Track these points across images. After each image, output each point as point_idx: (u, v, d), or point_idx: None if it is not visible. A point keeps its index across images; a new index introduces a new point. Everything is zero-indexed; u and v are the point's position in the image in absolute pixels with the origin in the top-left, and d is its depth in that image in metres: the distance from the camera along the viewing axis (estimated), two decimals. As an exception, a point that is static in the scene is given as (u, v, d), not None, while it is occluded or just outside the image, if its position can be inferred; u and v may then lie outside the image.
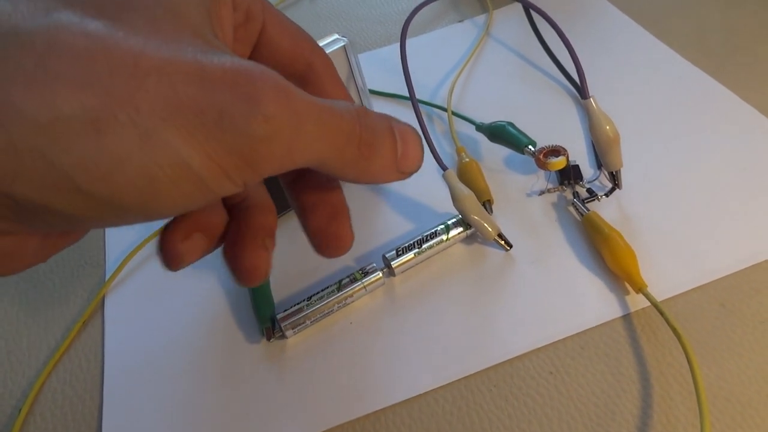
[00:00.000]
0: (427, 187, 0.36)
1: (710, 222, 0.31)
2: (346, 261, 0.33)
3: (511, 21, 0.48)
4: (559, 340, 0.28)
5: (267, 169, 0.15)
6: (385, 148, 0.17)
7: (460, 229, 0.32)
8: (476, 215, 0.30)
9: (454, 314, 0.29)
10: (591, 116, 0.31)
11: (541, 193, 0.34)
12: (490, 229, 0.30)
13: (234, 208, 0.20)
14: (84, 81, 0.12)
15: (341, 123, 0.16)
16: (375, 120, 0.17)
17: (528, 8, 0.44)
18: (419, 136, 0.19)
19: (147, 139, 0.13)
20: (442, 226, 0.32)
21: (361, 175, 0.17)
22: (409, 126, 0.18)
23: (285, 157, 0.15)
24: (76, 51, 0.13)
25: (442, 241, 0.32)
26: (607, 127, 0.31)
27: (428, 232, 0.32)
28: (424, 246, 0.31)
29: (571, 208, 0.33)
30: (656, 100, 0.38)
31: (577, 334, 0.28)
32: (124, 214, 0.14)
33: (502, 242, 0.31)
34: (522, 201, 0.34)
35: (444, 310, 0.30)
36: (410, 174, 0.19)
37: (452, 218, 0.32)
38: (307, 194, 0.20)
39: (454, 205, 0.30)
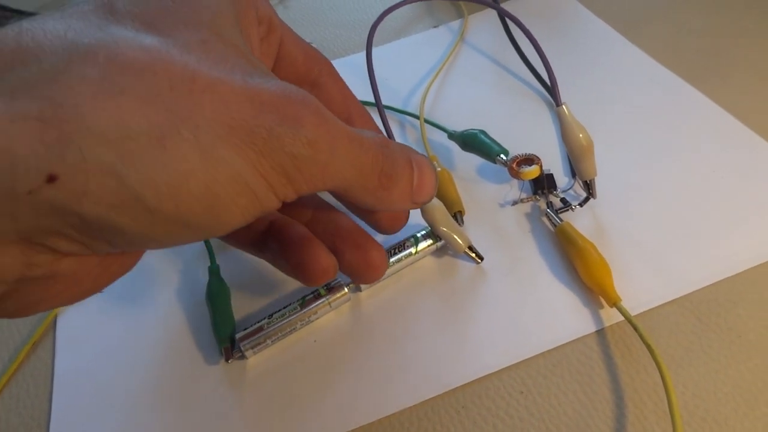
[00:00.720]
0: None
1: (687, 233, 0.30)
2: (312, 276, 0.32)
3: (486, 26, 0.47)
4: (530, 358, 0.27)
5: (303, 188, 0.16)
6: (403, 180, 0.19)
7: (430, 241, 0.31)
8: (445, 227, 0.29)
9: (423, 331, 0.28)
10: (563, 124, 0.30)
11: (515, 203, 0.33)
12: (460, 242, 0.29)
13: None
14: (147, 96, 0.13)
15: (368, 153, 0.17)
16: (396, 152, 0.18)
17: (502, 15, 0.44)
18: (434, 168, 0.20)
19: (208, 156, 0.13)
20: (411, 239, 0.31)
21: (377, 203, 0.18)
22: (426, 158, 0.20)
23: (318, 178, 0.16)
24: (137, 65, 0.13)
25: (410, 254, 0.30)
26: (581, 135, 0.30)
27: (396, 245, 0.31)
28: (392, 260, 0.30)
29: (545, 219, 0.32)
30: (632, 107, 0.38)
31: (549, 350, 0.27)
32: (185, 232, 0.14)
33: (473, 255, 0.30)
34: (494, 211, 0.33)
35: (412, 327, 0.28)
36: (422, 205, 0.21)
37: (422, 230, 0.31)
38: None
39: (423, 216, 0.29)
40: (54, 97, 0.12)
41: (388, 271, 0.30)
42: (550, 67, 0.30)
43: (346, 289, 0.29)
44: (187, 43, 0.14)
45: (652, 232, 0.30)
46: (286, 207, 0.21)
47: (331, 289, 0.29)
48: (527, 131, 0.37)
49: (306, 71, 0.22)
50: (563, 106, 0.30)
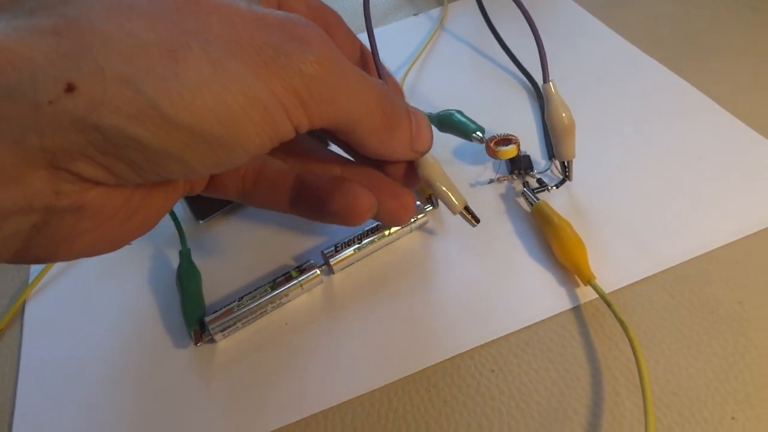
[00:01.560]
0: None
1: (662, 213, 0.30)
2: (283, 259, 0.31)
3: (466, 14, 0.47)
4: (502, 337, 0.26)
5: (315, 115, 0.16)
6: (403, 124, 0.19)
7: (403, 222, 0.30)
8: (443, 184, 0.26)
9: (395, 312, 0.28)
10: (549, 101, 0.29)
11: (491, 181, 0.33)
12: (456, 202, 0.26)
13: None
14: (156, 13, 0.13)
15: (374, 88, 0.17)
16: (395, 98, 0.19)
17: (480, 2, 0.43)
18: (428, 119, 0.21)
19: (219, 69, 0.13)
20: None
21: (381, 146, 0.19)
22: (419, 110, 0.21)
23: (329, 105, 0.16)
24: None
25: (383, 236, 0.30)
26: (564, 114, 0.29)
27: (370, 227, 0.30)
28: (365, 241, 0.30)
29: (521, 199, 0.32)
30: (610, 91, 0.37)
31: (522, 329, 0.26)
32: (205, 149, 0.14)
33: (469, 216, 0.27)
34: (470, 192, 0.33)
35: (385, 309, 0.28)
36: (422, 153, 0.21)
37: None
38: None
39: (419, 172, 0.25)
40: (68, 14, 0.12)
41: (361, 253, 0.30)
42: (541, 42, 0.29)
43: (318, 271, 0.29)
44: None
45: (627, 212, 0.30)
46: (315, 162, 0.23)
47: (302, 270, 0.29)
48: (506, 115, 0.37)
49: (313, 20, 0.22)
50: (550, 84, 0.29)
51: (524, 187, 0.32)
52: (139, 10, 0.13)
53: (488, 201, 0.32)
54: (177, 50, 0.13)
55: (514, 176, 0.33)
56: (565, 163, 0.31)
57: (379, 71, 0.24)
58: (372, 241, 0.30)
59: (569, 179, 0.32)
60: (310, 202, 0.22)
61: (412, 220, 0.30)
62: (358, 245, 0.30)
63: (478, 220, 0.27)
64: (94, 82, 0.12)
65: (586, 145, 0.34)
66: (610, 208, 0.31)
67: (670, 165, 0.32)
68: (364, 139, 0.18)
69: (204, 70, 0.13)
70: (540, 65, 0.29)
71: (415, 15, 0.48)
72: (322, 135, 0.23)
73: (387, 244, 0.31)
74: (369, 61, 0.24)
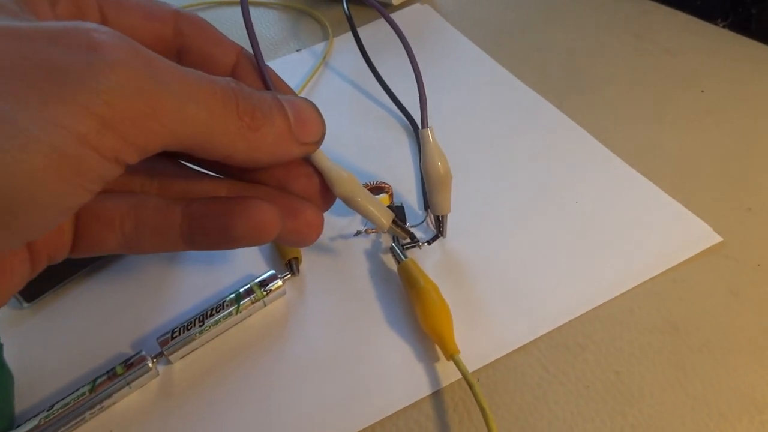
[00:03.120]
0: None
1: (540, 268, 0.27)
2: (120, 346, 0.27)
3: (352, 49, 0.44)
4: (358, 432, 0.23)
5: (137, 134, 0.13)
6: (273, 117, 0.16)
7: (254, 295, 0.26)
8: (366, 200, 0.21)
9: (239, 409, 0.24)
10: (425, 148, 0.26)
11: (357, 233, 0.30)
12: (383, 220, 0.21)
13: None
14: None
15: (213, 85, 0.14)
16: (254, 91, 0.16)
17: (358, 38, 0.41)
18: (313, 103, 0.17)
19: None
20: (232, 296, 0.27)
21: (253, 150, 0.16)
22: (300, 96, 0.17)
23: (151, 119, 0.13)
24: None
25: (230, 314, 0.26)
26: (439, 164, 0.26)
27: (215, 305, 0.26)
28: (208, 323, 0.26)
29: (390, 257, 0.29)
30: (493, 130, 0.35)
31: (379, 422, 0.23)
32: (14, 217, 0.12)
33: (399, 230, 0.23)
34: (331, 247, 0.29)
35: (232, 401, 0.24)
36: (314, 144, 0.17)
37: (246, 284, 0.27)
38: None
39: (334, 191, 0.20)
40: None
41: (203, 337, 0.26)
42: (422, 85, 0.25)
43: (149, 364, 0.25)
44: None
45: (503, 270, 0.27)
46: (197, 187, 0.18)
47: (130, 365, 0.25)
48: (384, 160, 0.34)
49: (151, 36, 0.17)
50: (428, 130, 0.26)
51: (393, 242, 0.29)
52: None
53: (353, 258, 0.29)
54: None
55: (384, 231, 0.30)
56: (440, 218, 0.28)
57: (263, 73, 0.19)
58: (217, 322, 0.26)
59: (442, 235, 0.29)
60: (209, 233, 0.18)
61: (264, 291, 0.27)
62: (199, 328, 0.26)
63: (414, 237, 0.23)
64: None
65: (465, 192, 0.31)
66: (486, 265, 0.28)
67: (551, 211, 0.30)
68: (225, 148, 0.15)
69: None
70: (421, 108, 0.26)
71: (298, 51, 0.45)
72: (189, 161, 0.19)
73: (237, 323, 0.27)
74: (248, 67, 0.19)
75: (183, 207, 0.18)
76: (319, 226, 0.19)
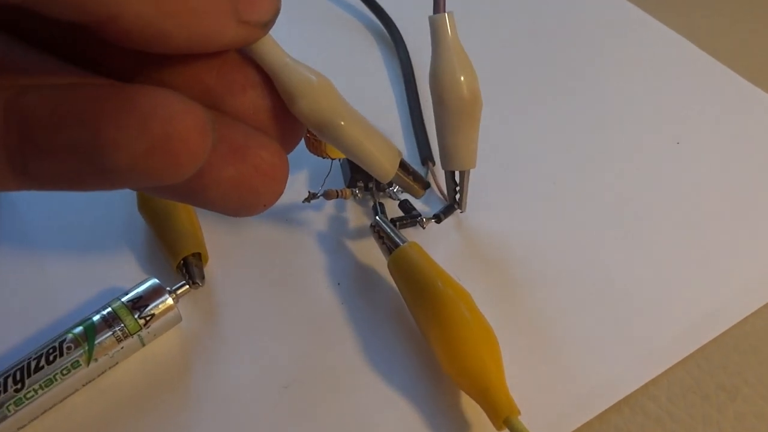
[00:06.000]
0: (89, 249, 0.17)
1: (647, 279, 0.17)
2: None
3: None
4: None
5: None
6: None
7: (121, 326, 0.14)
8: (354, 127, 0.12)
9: None
10: (439, 49, 0.16)
11: (310, 197, 0.18)
12: (384, 161, 0.13)
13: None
14: None
15: None
16: None
17: None
18: None
19: None
20: (80, 329, 0.14)
21: (177, 31, 0.10)
22: None
23: None
24: None
25: (76, 366, 0.14)
26: (462, 78, 0.16)
27: (46, 348, 0.14)
28: (30, 385, 0.13)
29: (368, 241, 0.18)
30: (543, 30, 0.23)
31: None
32: None
33: (410, 181, 0.14)
34: (269, 231, 0.18)
35: None
36: (262, 24, 0.11)
37: (106, 305, 0.14)
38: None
39: (296, 109, 0.11)
40: None
41: (25, 412, 0.13)
42: None
43: None
44: None
45: (580, 272, 0.17)
46: (37, 66, 0.11)
47: None
48: (353, 81, 0.23)
49: None
50: (444, 15, 0.16)
51: (376, 214, 0.17)
52: None
53: (304, 248, 0.18)
54: None
55: (356, 192, 0.18)
56: (456, 177, 0.18)
57: None
58: (49, 383, 0.14)
59: (460, 208, 0.18)
60: (58, 149, 0.10)
61: (141, 319, 0.14)
62: (14, 395, 0.13)
63: (426, 185, 0.14)
64: None
65: (498, 143, 0.20)
66: (534, 256, 0.17)
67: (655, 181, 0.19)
68: (141, 24, 0.09)
69: None
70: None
71: None
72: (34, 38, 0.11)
73: (89, 381, 0.14)
74: None
75: (8, 100, 0.11)
76: (280, 176, 0.11)
